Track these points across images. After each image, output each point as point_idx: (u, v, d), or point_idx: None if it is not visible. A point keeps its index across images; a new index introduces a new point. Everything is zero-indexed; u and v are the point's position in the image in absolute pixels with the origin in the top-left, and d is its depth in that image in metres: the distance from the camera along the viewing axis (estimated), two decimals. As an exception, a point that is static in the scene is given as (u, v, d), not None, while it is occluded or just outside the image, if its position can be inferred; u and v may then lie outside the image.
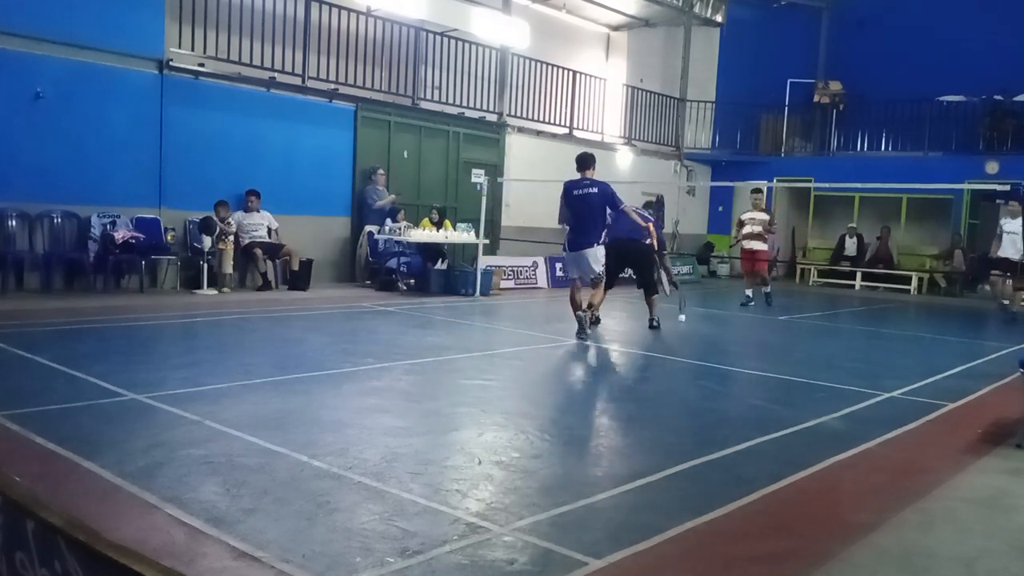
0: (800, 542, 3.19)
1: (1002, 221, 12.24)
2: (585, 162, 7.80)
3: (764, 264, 12.42)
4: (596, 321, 8.57)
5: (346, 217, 12.27)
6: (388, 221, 11.69)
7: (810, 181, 16.17)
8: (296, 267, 10.80)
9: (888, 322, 10.93)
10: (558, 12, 16.87)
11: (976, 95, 16.51)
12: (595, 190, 7.67)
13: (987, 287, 13.25)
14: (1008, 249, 11.91)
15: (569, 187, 7.76)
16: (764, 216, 12.33)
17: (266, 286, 10.59)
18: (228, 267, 10.20)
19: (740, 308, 11.76)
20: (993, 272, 12.45)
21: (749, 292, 12.15)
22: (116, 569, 1.14)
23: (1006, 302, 12.11)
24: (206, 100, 10.50)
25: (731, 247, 13.83)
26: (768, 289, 12.32)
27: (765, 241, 12.26)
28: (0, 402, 4.35)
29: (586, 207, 7.65)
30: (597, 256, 7.75)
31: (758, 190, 12.85)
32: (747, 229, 12.12)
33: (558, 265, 13.54)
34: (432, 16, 12.99)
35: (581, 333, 7.72)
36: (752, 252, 12.13)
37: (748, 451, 4.30)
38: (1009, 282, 12.05)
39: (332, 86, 11.89)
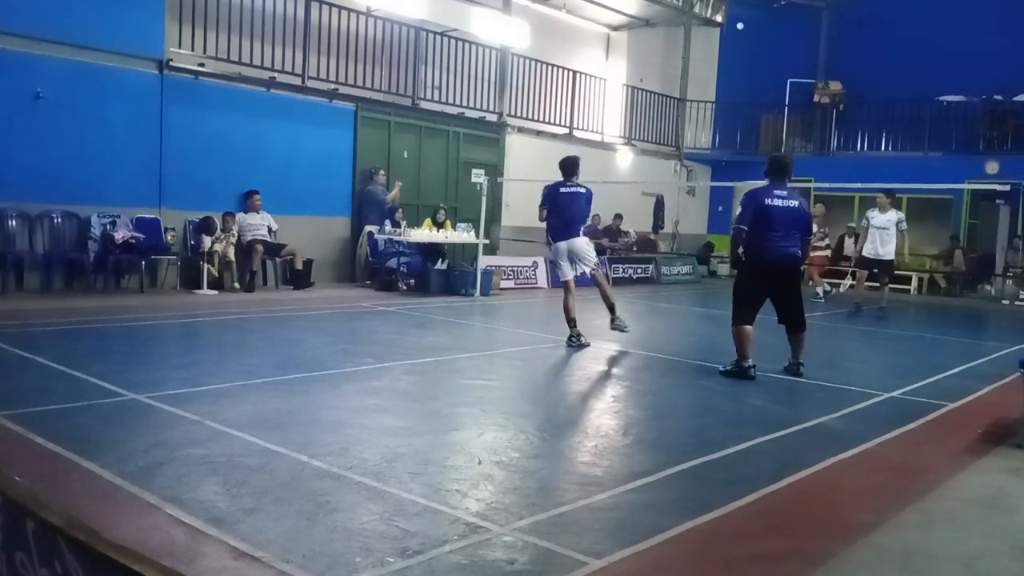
0: (800, 542, 3.19)
1: (869, 214, 11.52)
2: (570, 168, 7.84)
3: (813, 268, 13.65)
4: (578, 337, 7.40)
5: (346, 217, 12.27)
6: (387, 222, 11.69)
7: (810, 181, 16.14)
8: (299, 266, 10.80)
9: (888, 322, 10.92)
10: (558, 12, 16.86)
11: (976, 95, 16.52)
12: (583, 190, 7.77)
13: (850, 282, 12.48)
14: (878, 246, 11.21)
15: (556, 185, 7.83)
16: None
17: (251, 285, 10.31)
18: (229, 267, 10.20)
19: (848, 316, 11.31)
20: (860, 269, 11.78)
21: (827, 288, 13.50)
22: (116, 569, 1.14)
23: (883, 305, 11.58)
24: (206, 100, 10.50)
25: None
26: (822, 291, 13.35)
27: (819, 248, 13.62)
28: (0, 402, 4.35)
29: (573, 204, 7.70)
30: (586, 245, 7.70)
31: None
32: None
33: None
34: (432, 16, 12.99)
35: (573, 340, 7.54)
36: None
37: (748, 451, 4.30)
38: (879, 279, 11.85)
39: (332, 86, 11.89)
